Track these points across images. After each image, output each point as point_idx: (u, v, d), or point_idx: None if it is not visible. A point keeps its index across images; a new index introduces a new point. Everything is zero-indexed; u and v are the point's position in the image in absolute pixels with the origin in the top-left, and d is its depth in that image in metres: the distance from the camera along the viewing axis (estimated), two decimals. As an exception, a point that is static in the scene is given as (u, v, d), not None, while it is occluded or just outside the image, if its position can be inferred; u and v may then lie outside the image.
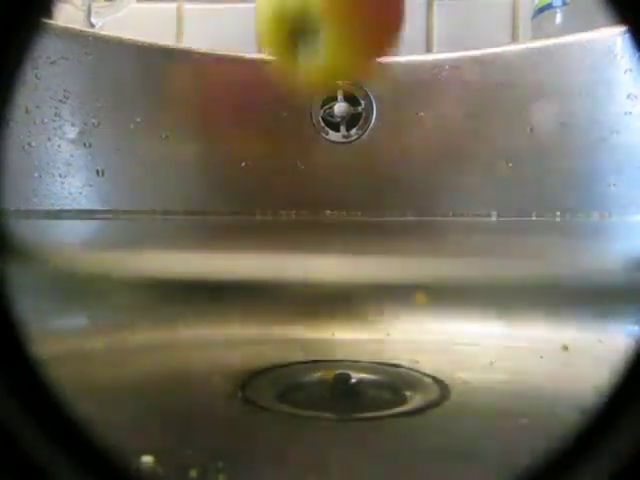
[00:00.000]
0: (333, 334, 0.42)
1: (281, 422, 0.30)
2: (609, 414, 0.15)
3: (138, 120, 0.45)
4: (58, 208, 0.42)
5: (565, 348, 0.38)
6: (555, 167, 0.43)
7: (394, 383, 0.35)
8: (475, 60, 0.45)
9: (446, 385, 0.34)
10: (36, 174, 0.41)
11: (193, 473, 0.24)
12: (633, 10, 0.16)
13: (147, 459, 0.23)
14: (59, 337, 0.37)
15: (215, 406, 0.32)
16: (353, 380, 0.34)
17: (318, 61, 0.30)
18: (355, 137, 0.46)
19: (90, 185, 0.43)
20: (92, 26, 0.53)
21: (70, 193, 0.42)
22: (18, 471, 0.16)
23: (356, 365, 0.37)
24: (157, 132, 0.45)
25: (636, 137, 0.42)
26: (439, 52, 0.48)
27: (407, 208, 0.46)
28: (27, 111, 0.41)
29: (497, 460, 0.25)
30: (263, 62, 0.46)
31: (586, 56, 0.43)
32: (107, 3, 0.56)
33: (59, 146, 0.42)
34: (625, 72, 0.42)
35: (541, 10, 0.51)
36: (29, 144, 0.41)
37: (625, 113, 0.42)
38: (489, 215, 0.45)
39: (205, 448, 0.26)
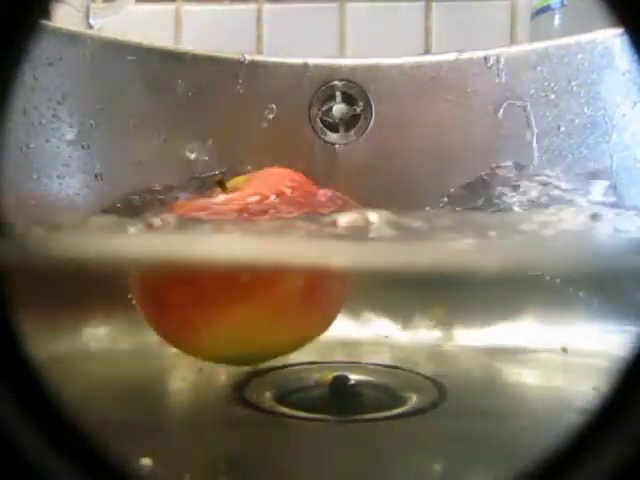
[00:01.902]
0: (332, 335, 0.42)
1: (279, 424, 0.30)
2: (609, 414, 0.15)
3: (137, 122, 0.45)
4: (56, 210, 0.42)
5: (564, 350, 0.38)
6: (554, 168, 0.43)
7: (392, 385, 0.35)
8: (474, 61, 0.45)
9: (444, 387, 0.34)
10: (34, 176, 0.41)
11: (192, 475, 0.23)
12: (631, 12, 0.16)
13: (146, 461, 0.23)
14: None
15: (214, 408, 0.32)
16: (351, 382, 0.34)
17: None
18: (354, 139, 0.46)
19: (88, 187, 0.43)
20: (90, 27, 0.53)
21: (68, 195, 0.42)
22: (16, 472, 0.16)
23: (355, 367, 0.37)
24: (156, 134, 0.45)
25: (635, 138, 0.42)
26: (438, 53, 0.48)
27: (406, 210, 0.46)
28: (25, 112, 0.41)
29: (496, 461, 0.25)
30: (261, 64, 0.47)
31: (585, 58, 0.43)
32: (105, 4, 0.56)
33: (57, 147, 0.42)
34: (624, 73, 0.42)
35: (539, 12, 0.51)
36: (27, 145, 0.40)
37: (624, 114, 0.42)
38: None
39: (204, 450, 0.26)
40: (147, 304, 0.31)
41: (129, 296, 0.32)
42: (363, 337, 0.42)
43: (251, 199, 0.30)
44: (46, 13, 0.18)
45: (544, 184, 0.41)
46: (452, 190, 0.43)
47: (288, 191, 0.31)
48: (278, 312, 0.29)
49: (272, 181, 0.32)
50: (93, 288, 0.39)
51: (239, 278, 0.28)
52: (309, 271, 0.29)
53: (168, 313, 0.30)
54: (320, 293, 0.31)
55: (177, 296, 0.29)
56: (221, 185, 0.32)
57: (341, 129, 0.46)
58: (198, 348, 0.31)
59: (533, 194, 0.40)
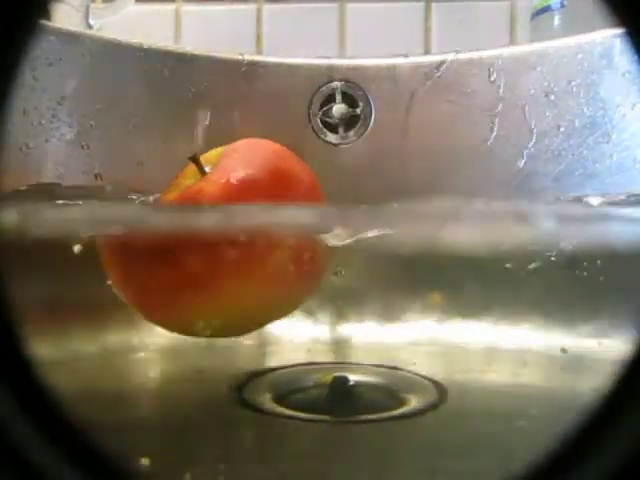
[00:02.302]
0: (332, 336, 0.42)
1: (279, 425, 0.30)
2: (609, 414, 0.15)
3: (137, 122, 0.45)
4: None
5: (564, 351, 0.38)
6: (554, 169, 0.43)
7: (392, 386, 0.35)
8: (473, 62, 0.45)
9: (444, 387, 0.34)
10: (34, 176, 0.41)
11: (192, 475, 0.23)
12: (631, 12, 0.16)
13: (145, 461, 0.23)
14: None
15: (213, 409, 0.32)
16: (351, 382, 0.34)
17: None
18: (353, 139, 0.46)
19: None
20: (90, 27, 0.53)
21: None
22: (17, 472, 0.16)
23: (354, 367, 0.37)
24: (156, 134, 0.45)
25: (635, 139, 0.42)
26: (437, 54, 0.48)
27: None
28: (25, 113, 0.41)
29: (496, 462, 0.25)
30: (261, 64, 0.46)
31: (584, 58, 0.43)
32: (105, 4, 0.56)
33: (57, 147, 0.42)
34: (623, 74, 0.42)
35: (539, 12, 0.52)
36: (27, 145, 0.40)
37: (623, 115, 0.42)
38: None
39: (204, 450, 0.26)
40: (129, 285, 0.30)
41: (108, 282, 0.31)
42: (362, 338, 0.42)
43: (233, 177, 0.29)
44: (46, 13, 0.18)
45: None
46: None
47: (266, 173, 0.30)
48: (268, 284, 0.29)
49: (252, 158, 0.31)
50: (94, 288, 0.39)
51: (228, 255, 0.27)
52: (297, 242, 0.29)
53: (155, 293, 0.29)
54: (308, 261, 0.31)
55: (164, 277, 0.28)
56: (195, 161, 0.31)
57: (341, 129, 0.46)
58: (186, 326, 0.30)
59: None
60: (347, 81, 0.46)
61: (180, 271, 0.28)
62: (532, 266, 0.40)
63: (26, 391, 0.16)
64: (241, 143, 0.33)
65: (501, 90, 0.45)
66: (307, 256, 0.30)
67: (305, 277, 0.31)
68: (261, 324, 0.32)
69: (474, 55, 0.45)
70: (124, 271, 0.30)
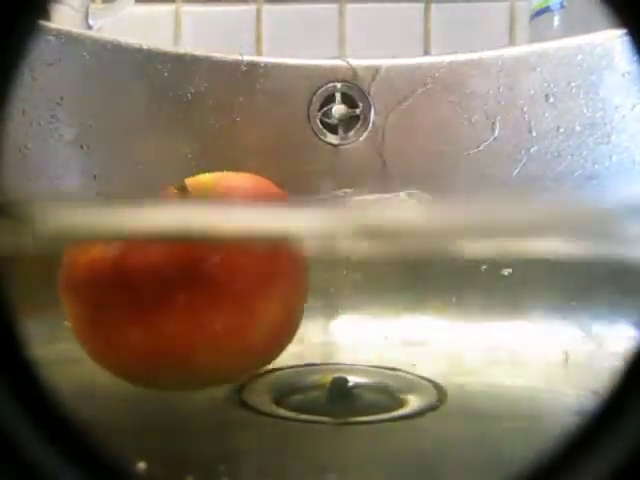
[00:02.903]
0: (331, 337, 0.42)
1: (278, 426, 0.30)
2: (609, 414, 0.15)
3: (136, 122, 0.45)
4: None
5: (564, 353, 0.38)
6: (553, 170, 0.43)
7: (391, 387, 0.34)
8: (473, 63, 0.45)
9: (444, 389, 0.34)
10: (32, 177, 0.41)
11: (192, 476, 0.23)
12: (633, 12, 0.16)
13: (143, 465, 0.23)
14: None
15: (212, 410, 0.32)
16: (350, 384, 0.34)
17: None
18: (353, 139, 0.46)
19: (87, 188, 0.43)
20: (89, 28, 0.53)
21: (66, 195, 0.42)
22: (17, 472, 0.16)
23: (353, 368, 0.37)
24: (155, 134, 0.45)
25: (634, 140, 0.42)
26: (437, 54, 0.48)
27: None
28: (24, 113, 0.40)
29: (495, 463, 0.25)
30: (261, 64, 0.46)
31: (584, 59, 0.43)
32: (105, 5, 0.56)
33: (56, 148, 0.42)
34: (623, 75, 0.42)
35: (539, 13, 0.52)
36: (26, 146, 0.40)
37: (623, 116, 0.42)
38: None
39: (204, 451, 0.26)
40: (92, 341, 0.29)
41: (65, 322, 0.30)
42: (362, 338, 0.42)
43: None
44: (45, 13, 0.18)
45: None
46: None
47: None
48: (245, 354, 0.29)
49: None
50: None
51: (206, 325, 0.27)
52: (276, 315, 0.29)
53: (123, 356, 0.28)
54: (285, 325, 0.30)
55: (137, 342, 0.27)
56: (183, 192, 0.29)
57: (340, 130, 0.46)
58: (153, 385, 0.30)
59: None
60: (347, 82, 0.46)
61: (155, 339, 0.27)
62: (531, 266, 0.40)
63: (26, 391, 0.16)
64: (234, 183, 0.32)
65: (501, 91, 0.45)
66: (284, 321, 0.30)
67: (281, 339, 0.31)
68: (234, 381, 0.32)
69: (474, 56, 0.45)
70: (91, 327, 0.29)
